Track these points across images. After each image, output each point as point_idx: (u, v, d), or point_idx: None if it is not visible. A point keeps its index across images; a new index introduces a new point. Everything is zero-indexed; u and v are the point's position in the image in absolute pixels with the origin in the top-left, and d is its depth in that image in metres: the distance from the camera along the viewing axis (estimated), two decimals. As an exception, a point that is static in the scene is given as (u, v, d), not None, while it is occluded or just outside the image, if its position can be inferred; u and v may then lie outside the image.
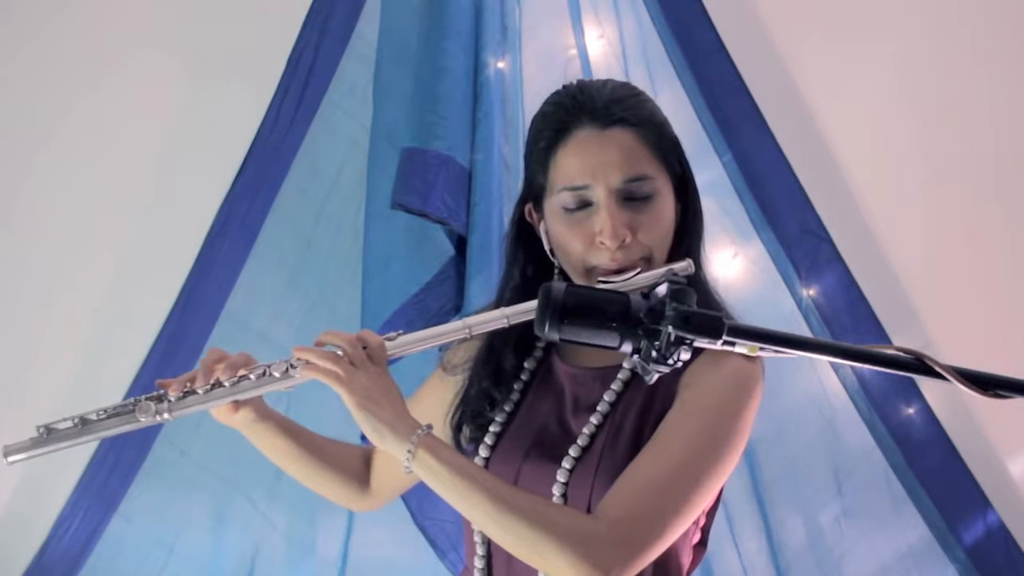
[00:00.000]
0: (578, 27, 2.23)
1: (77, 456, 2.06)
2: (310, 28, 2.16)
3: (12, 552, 2.08)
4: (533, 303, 1.21)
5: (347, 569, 2.18)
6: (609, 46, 2.24)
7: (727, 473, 1.27)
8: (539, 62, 2.23)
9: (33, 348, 2.14)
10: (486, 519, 1.17)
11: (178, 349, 2.08)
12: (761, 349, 0.92)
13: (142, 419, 1.23)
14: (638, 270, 1.27)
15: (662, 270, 1.27)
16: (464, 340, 1.31)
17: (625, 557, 1.15)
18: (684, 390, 1.27)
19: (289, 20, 2.16)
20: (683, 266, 1.27)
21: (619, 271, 1.28)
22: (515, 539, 1.16)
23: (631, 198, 1.28)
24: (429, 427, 1.20)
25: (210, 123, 2.17)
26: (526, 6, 2.24)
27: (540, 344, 1.43)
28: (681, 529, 1.22)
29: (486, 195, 2.08)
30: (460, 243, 2.12)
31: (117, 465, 2.06)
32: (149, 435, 2.07)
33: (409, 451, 1.17)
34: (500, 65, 2.18)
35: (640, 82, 2.19)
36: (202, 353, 2.06)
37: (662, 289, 0.95)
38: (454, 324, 1.26)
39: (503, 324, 1.24)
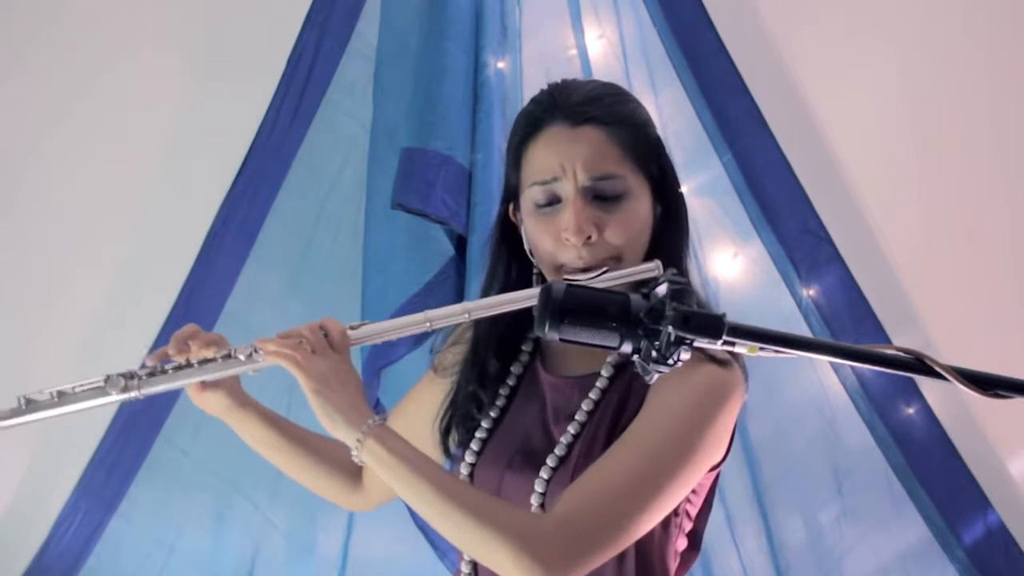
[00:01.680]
0: (578, 27, 2.23)
1: (77, 456, 2.06)
2: (310, 28, 2.16)
3: (12, 552, 2.08)
4: (496, 298, 1.26)
5: (347, 569, 2.18)
6: (609, 46, 2.24)
7: (692, 480, 1.24)
8: (539, 62, 2.23)
9: (32, 347, 2.13)
10: (430, 510, 1.17)
11: (178, 349, 2.08)
12: (761, 349, 0.92)
13: (112, 393, 1.26)
14: (604, 269, 1.26)
15: (629, 270, 1.26)
16: (430, 335, 1.31)
17: (570, 556, 1.14)
18: (653, 395, 1.25)
19: (289, 20, 2.16)
20: (649, 267, 1.26)
21: (585, 269, 1.27)
22: (458, 531, 1.16)
23: (600, 196, 1.28)
24: (382, 419, 1.21)
25: (210, 123, 2.17)
26: (526, 6, 2.24)
27: (526, 348, 1.42)
28: (636, 534, 1.20)
29: (486, 195, 2.08)
30: (460, 243, 2.12)
31: (117, 465, 2.06)
32: (149, 435, 2.07)
33: (358, 439, 1.18)
34: (500, 65, 2.18)
35: (640, 82, 2.20)
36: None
37: (662, 289, 0.95)
38: (416, 316, 1.26)
39: (464, 319, 1.25)
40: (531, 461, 1.32)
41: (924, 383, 2.09)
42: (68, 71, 2.16)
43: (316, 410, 1.20)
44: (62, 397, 1.27)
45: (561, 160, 1.28)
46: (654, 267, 1.26)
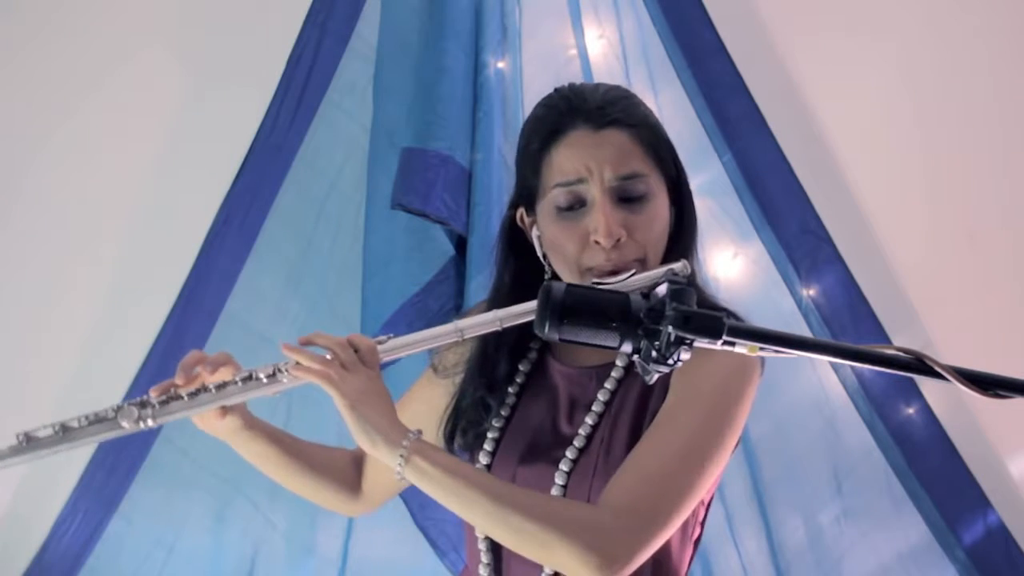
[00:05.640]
0: (578, 27, 2.23)
1: (77, 456, 2.06)
2: (310, 28, 2.15)
3: (12, 552, 2.07)
4: (527, 305, 1.22)
5: (347, 569, 2.18)
6: (609, 46, 2.24)
7: (726, 458, 1.27)
8: (539, 62, 2.23)
9: (33, 348, 2.13)
10: (486, 518, 1.16)
11: (178, 349, 2.07)
12: (761, 349, 0.92)
13: (125, 425, 1.21)
14: (633, 271, 1.27)
15: (659, 271, 1.27)
16: (456, 343, 1.30)
17: (632, 546, 1.15)
18: (680, 377, 1.26)
19: (289, 20, 2.16)
20: (679, 267, 1.26)
21: (614, 272, 1.27)
22: (518, 536, 1.16)
23: (625, 198, 1.28)
24: (419, 432, 1.19)
25: (210, 123, 2.17)
26: (526, 6, 2.24)
27: (534, 345, 1.42)
28: (685, 515, 1.22)
29: (486, 195, 2.08)
30: (460, 243, 2.12)
31: (117, 465, 2.06)
32: (149, 435, 2.06)
33: (401, 456, 1.16)
34: (500, 65, 2.18)
35: (640, 82, 2.20)
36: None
37: (662, 289, 0.95)
38: (446, 327, 1.24)
39: (496, 327, 1.23)
40: (545, 454, 1.32)
41: (924, 383, 2.09)
42: (68, 71, 2.16)
43: (353, 428, 1.18)
44: (67, 432, 1.19)
45: (587, 162, 1.28)
46: (683, 266, 1.27)
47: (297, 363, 1.21)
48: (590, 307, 0.95)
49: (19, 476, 2.08)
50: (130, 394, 2.05)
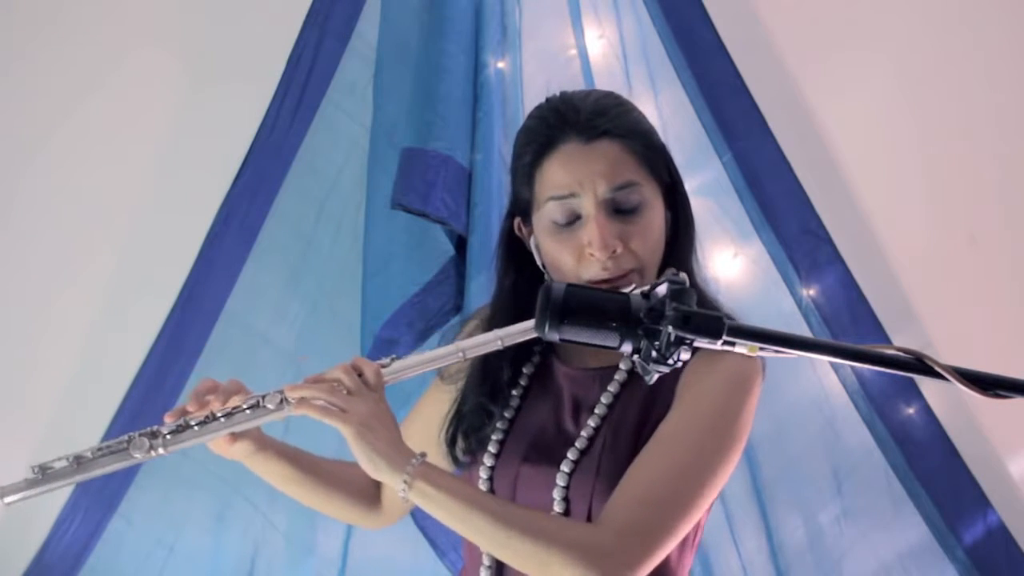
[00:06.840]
0: (578, 27, 2.23)
1: (77, 456, 2.06)
2: (310, 28, 2.15)
3: (12, 552, 2.07)
4: (528, 323, 1.21)
5: (347, 569, 2.18)
6: (609, 46, 2.24)
7: (728, 473, 1.27)
8: (539, 62, 2.23)
9: (33, 348, 2.13)
10: (489, 540, 1.18)
11: (178, 349, 2.08)
12: (761, 349, 0.93)
13: (136, 455, 1.23)
14: (632, 287, 1.27)
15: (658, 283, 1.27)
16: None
17: (633, 565, 1.16)
18: (683, 391, 1.27)
19: (289, 20, 2.16)
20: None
21: (609, 282, 1.28)
22: (520, 557, 1.17)
23: (620, 209, 1.28)
24: (423, 455, 1.20)
25: (210, 123, 2.17)
26: (526, 6, 2.24)
27: (538, 348, 1.42)
28: (685, 532, 1.22)
29: (486, 195, 2.08)
30: (460, 243, 2.12)
31: (117, 465, 2.06)
32: (149, 435, 2.06)
33: (405, 481, 1.17)
34: (500, 65, 2.18)
35: (640, 82, 2.20)
36: (202, 354, 2.07)
37: (662, 289, 0.95)
38: (448, 348, 1.24)
39: (497, 346, 1.23)
40: (547, 454, 1.33)
41: (924, 383, 2.09)
42: (68, 71, 2.16)
43: (358, 454, 1.19)
44: (81, 464, 1.22)
45: (579, 176, 1.28)
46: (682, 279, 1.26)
47: (301, 399, 1.21)
48: (590, 307, 0.95)
49: (20, 475, 2.07)
50: (130, 395, 2.05)
